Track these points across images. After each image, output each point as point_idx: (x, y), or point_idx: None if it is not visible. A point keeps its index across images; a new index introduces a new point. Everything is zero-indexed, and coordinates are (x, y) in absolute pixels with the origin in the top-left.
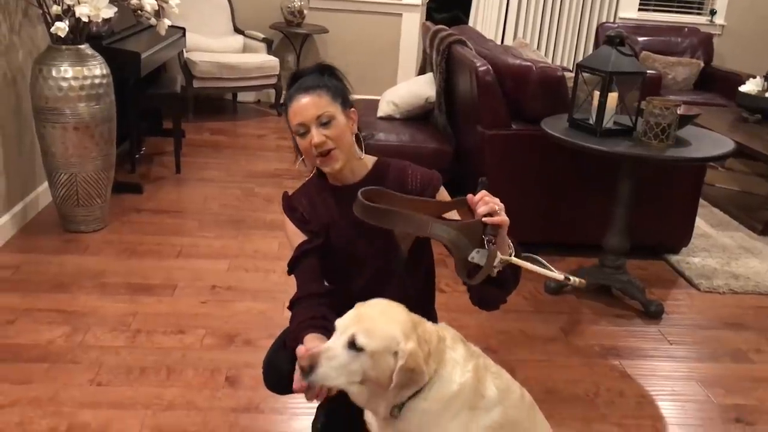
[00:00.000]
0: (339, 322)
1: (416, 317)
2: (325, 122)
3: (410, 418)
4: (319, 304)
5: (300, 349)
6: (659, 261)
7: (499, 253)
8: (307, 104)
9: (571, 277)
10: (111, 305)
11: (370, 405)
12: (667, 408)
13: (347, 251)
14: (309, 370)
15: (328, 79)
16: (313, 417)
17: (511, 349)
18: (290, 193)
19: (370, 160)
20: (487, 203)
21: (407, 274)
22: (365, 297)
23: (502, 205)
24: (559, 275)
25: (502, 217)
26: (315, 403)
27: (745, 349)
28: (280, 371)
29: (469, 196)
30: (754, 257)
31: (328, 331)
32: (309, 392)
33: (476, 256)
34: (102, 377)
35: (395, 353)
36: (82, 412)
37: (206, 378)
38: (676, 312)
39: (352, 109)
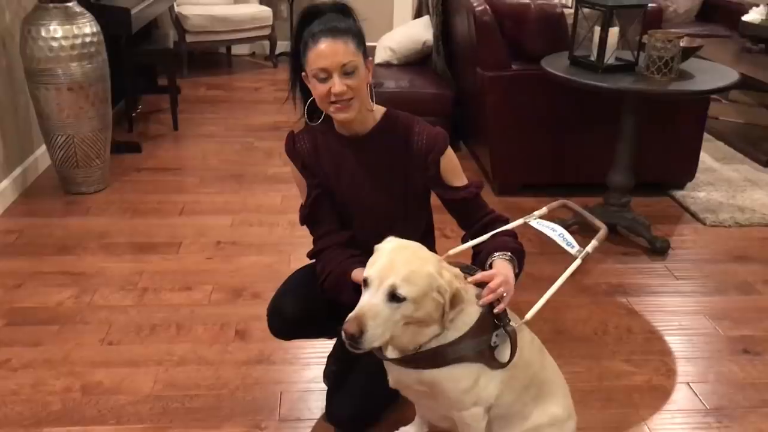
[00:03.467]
0: (371, 273)
1: (434, 254)
2: (349, 72)
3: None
4: (348, 247)
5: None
6: (664, 197)
7: (514, 324)
8: (334, 50)
9: (590, 249)
10: (117, 265)
11: (408, 341)
12: (675, 342)
13: (351, 199)
14: (359, 335)
15: (352, 23)
16: (324, 366)
17: (519, 291)
18: (296, 132)
19: (378, 112)
20: (493, 291)
21: (411, 223)
22: (368, 245)
23: (510, 282)
24: (577, 255)
25: (506, 302)
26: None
27: (751, 281)
28: (285, 316)
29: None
30: (759, 189)
31: None
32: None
33: (497, 340)
34: (112, 336)
35: (437, 289)
36: (94, 371)
37: (216, 332)
38: (682, 247)
39: (369, 59)
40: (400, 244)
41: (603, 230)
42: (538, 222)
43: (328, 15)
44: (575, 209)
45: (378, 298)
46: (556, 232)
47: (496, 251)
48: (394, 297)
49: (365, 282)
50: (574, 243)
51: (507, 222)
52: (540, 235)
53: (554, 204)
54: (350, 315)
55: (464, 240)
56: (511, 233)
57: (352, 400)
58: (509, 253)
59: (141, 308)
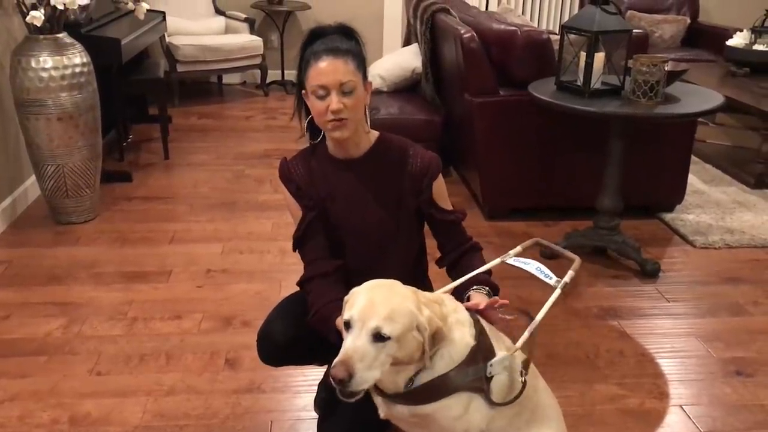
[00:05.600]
0: (353, 315)
1: (411, 287)
2: (347, 91)
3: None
4: (335, 282)
5: None
6: (653, 220)
7: (505, 351)
8: (334, 68)
9: (567, 279)
10: (106, 295)
11: (391, 380)
12: (667, 365)
13: (345, 222)
14: (348, 379)
15: (354, 44)
16: (314, 393)
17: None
18: (288, 159)
19: (373, 135)
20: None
21: (404, 246)
22: (363, 270)
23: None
24: (556, 285)
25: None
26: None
27: (742, 302)
28: (276, 340)
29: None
30: (747, 211)
31: None
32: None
33: (492, 369)
34: (101, 367)
35: (417, 327)
36: (83, 403)
37: (206, 362)
38: (673, 270)
39: (369, 81)
40: (376, 283)
41: (577, 261)
42: (514, 260)
43: (331, 36)
44: (548, 246)
45: (362, 339)
46: (532, 266)
47: (475, 285)
48: (378, 337)
49: (347, 324)
50: (552, 274)
51: (481, 251)
52: (519, 270)
53: (528, 242)
54: (336, 360)
55: (439, 263)
56: (488, 271)
57: (343, 427)
58: (486, 288)
59: (130, 338)
